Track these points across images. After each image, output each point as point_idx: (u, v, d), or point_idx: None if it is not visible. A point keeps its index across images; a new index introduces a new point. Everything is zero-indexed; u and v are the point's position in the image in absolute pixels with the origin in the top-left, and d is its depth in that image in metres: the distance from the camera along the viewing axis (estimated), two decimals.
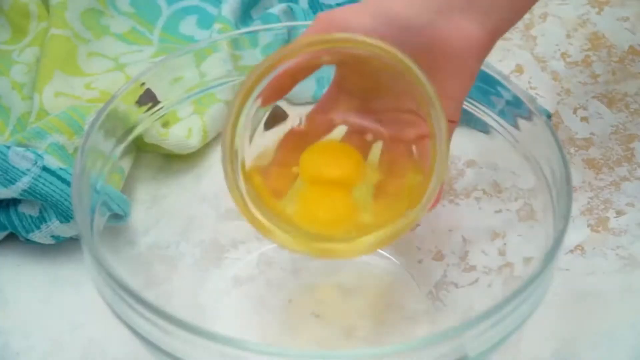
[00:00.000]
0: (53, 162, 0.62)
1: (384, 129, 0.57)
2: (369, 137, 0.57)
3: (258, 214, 0.54)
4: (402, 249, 0.63)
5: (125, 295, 0.48)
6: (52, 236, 0.63)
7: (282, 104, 0.59)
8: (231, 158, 0.53)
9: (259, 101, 0.54)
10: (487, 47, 0.53)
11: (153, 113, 0.62)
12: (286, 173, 0.57)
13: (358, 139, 0.57)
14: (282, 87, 0.54)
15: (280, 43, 0.63)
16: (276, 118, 0.59)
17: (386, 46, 0.51)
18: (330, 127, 0.58)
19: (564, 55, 0.79)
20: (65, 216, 0.62)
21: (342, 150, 0.57)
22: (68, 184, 0.61)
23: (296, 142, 0.57)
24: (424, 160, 0.54)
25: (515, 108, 0.58)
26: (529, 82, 0.77)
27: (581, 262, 0.63)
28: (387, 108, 0.56)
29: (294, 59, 0.52)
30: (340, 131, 0.58)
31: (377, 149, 0.57)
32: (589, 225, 0.66)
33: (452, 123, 0.54)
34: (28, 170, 0.61)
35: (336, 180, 0.56)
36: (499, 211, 0.64)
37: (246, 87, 0.52)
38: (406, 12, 0.52)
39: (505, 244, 0.62)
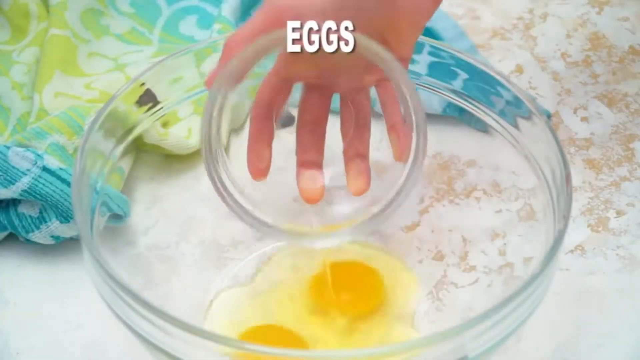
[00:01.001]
0: (53, 162, 0.62)
1: (341, 78, 0.57)
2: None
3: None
4: (402, 249, 0.63)
5: (124, 295, 0.48)
6: (52, 236, 0.63)
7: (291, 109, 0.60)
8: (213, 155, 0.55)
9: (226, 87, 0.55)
10: (436, 6, 0.56)
11: (153, 113, 0.62)
12: (262, 147, 0.58)
13: (318, 97, 0.58)
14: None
15: None
16: (286, 121, 0.61)
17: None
18: (288, 85, 0.58)
19: (564, 55, 0.79)
20: (65, 216, 0.62)
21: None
22: (68, 184, 0.61)
23: (267, 112, 0.58)
24: (391, 99, 0.57)
25: (515, 108, 0.58)
26: (529, 82, 0.77)
27: (581, 262, 0.63)
28: (340, 59, 0.56)
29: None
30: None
31: None
32: (589, 225, 0.66)
33: (406, 60, 0.58)
34: (28, 170, 0.61)
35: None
36: (499, 211, 0.64)
37: (225, 78, 0.53)
38: None
39: (505, 244, 0.62)
